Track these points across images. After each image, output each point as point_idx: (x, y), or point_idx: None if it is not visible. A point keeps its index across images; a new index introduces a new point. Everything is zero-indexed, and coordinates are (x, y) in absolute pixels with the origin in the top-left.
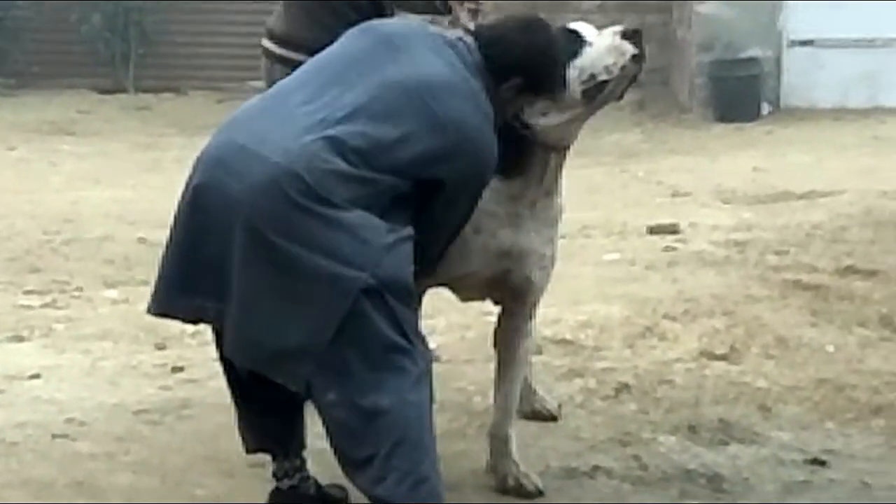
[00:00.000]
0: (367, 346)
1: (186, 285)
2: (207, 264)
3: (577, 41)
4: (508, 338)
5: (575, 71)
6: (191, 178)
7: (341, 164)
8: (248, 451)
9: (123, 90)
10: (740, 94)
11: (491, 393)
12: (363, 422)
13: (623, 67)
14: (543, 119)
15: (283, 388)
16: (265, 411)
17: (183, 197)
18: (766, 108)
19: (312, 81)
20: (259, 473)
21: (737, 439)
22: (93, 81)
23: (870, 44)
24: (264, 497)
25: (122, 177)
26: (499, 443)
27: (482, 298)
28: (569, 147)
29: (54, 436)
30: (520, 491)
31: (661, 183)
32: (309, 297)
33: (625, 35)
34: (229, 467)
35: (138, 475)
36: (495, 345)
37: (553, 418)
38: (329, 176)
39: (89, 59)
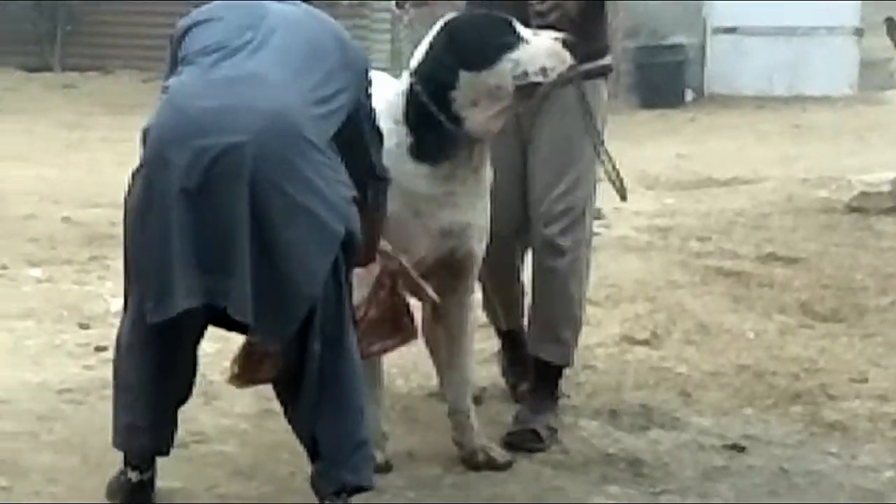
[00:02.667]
0: (340, 300)
1: (198, 268)
2: (213, 239)
3: (514, 34)
4: (454, 314)
5: (509, 63)
6: (161, 157)
7: (314, 110)
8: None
9: (49, 68)
10: (665, 81)
11: (412, 375)
12: (334, 380)
13: (559, 74)
14: (473, 110)
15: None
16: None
17: (157, 181)
18: (689, 95)
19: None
20: (182, 454)
21: (657, 424)
22: (19, 59)
23: (792, 32)
24: (186, 476)
25: (47, 155)
26: (462, 417)
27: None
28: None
29: None
30: (491, 464)
31: None
32: (309, 243)
33: (564, 43)
34: None
35: (60, 454)
36: (426, 336)
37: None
38: (310, 122)
39: (16, 37)
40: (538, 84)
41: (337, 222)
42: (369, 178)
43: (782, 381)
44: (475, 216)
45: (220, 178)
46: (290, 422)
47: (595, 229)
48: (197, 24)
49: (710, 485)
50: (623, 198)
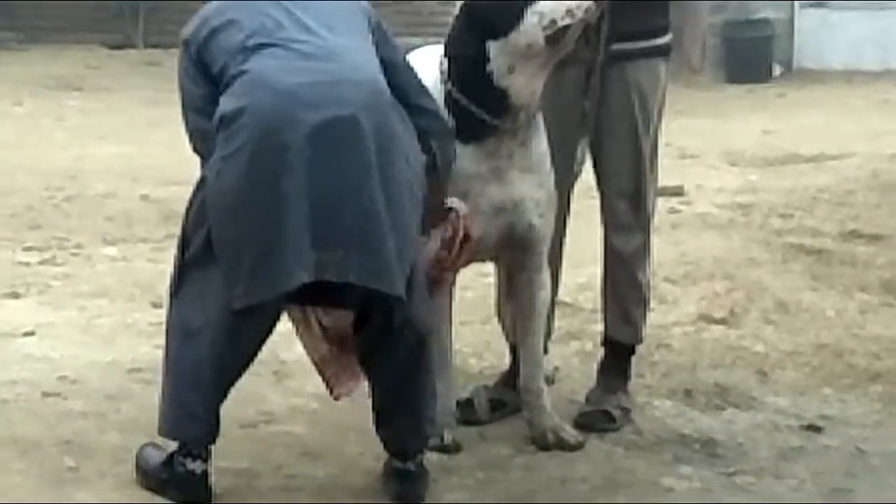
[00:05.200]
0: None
1: (315, 245)
2: (342, 213)
3: None
4: (524, 292)
5: (535, 16)
6: (269, 136)
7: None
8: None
9: (133, 45)
10: (752, 56)
11: (485, 354)
12: (421, 346)
13: (586, 10)
14: (512, 76)
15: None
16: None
17: (267, 161)
18: (777, 70)
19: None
20: (250, 433)
21: (733, 404)
22: (102, 37)
23: (883, 6)
24: (254, 456)
25: (127, 133)
26: (532, 397)
27: (493, 260)
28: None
29: (45, 394)
30: (561, 445)
31: (670, 145)
32: (411, 215)
33: None
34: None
35: (127, 434)
36: (498, 315)
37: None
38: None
39: (99, 13)
40: (568, 27)
41: (421, 192)
42: (433, 132)
43: (861, 360)
44: (528, 189)
45: (347, 149)
46: (376, 386)
47: (676, 206)
48: (218, 27)
49: (786, 465)
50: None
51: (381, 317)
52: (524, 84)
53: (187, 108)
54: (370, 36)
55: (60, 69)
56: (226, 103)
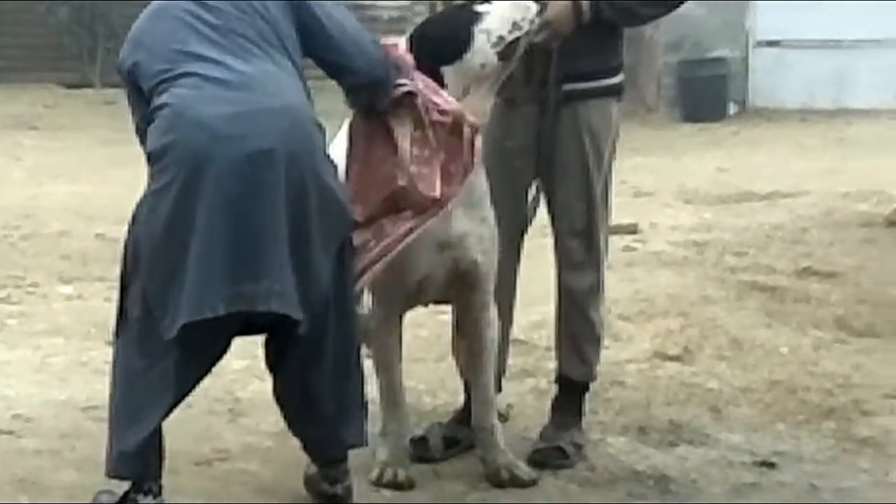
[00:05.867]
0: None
1: (235, 277)
2: (253, 246)
3: (471, 11)
4: (473, 330)
5: (483, 35)
6: (193, 169)
7: (301, 85)
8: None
9: (90, 85)
10: (707, 94)
11: (439, 393)
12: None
13: (531, 21)
14: (467, 99)
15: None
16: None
17: (189, 194)
18: (732, 108)
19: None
20: (205, 471)
21: (686, 441)
22: (59, 76)
23: (836, 45)
24: (209, 493)
25: (84, 172)
26: (486, 434)
27: (443, 301)
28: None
29: None
30: (515, 481)
31: (625, 182)
32: (330, 234)
33: None
34: (174, 464)
35: (82, 472)
36: (454, 353)
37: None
38: (307, 100)
39: (56, 53)
40: (516, 41)
41: (347, 207)
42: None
43: (815, 396)
44: (471, 225)
45: (259, 186)
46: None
47: (630, 244)
48: (139, 51)
49: (739, 501)
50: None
51: (291, 333)
52: (478, 105)
53: (138, 132)
54: (288, 17)
55: (17, 108)
56: (152, 140)
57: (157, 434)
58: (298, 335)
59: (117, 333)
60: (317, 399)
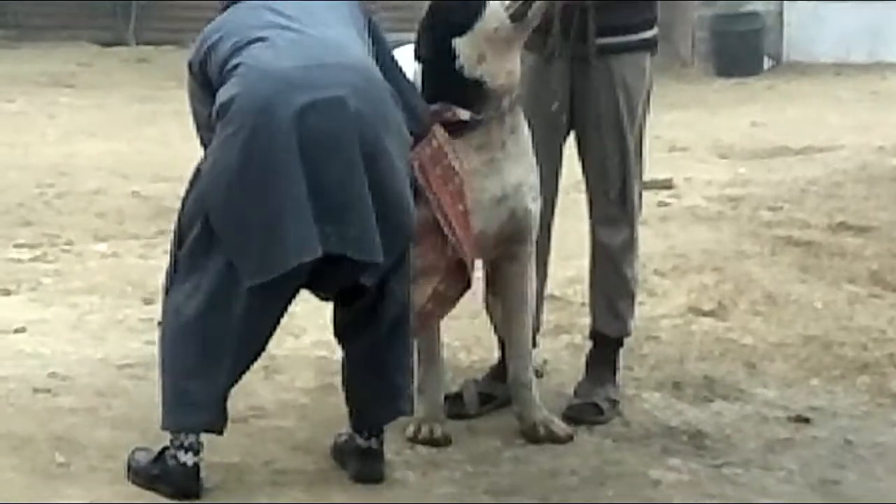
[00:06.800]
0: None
1: (315, 221)
2: (330, 191)
3: None
4: (515, 284)
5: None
6: (261, 118)
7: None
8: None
9: (124, 43)
10: (742, 49)
11: (474, 349)
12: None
13: None
14: (484, 65)
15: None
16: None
17: (260, 142)
18: (767, 63)
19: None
20: (240, 428)
21: (721, 396)
22: (93, 34)
23: None
24: (244, 450)
25: (118, 130)
26: (522, 389)
27: (490, 257)
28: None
29: (36, 390)
30: (550, 437)
31: (659, 138)
32: (404, 188)
33: None
34: None
35: (118, 430)
36: (487, 309)
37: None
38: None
39: (90, 11)
40: (529, 3)
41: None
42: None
43: (850, 351)
44: (524, 173)
45: (333, 132)
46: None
47: (665, 199)
48: (213, 44)
49: (773, 457)
50: None
51: (363, 292)
52: (498, 68)
53: (200, 129)
54: (365, 32)
55: (52, 66)
56: (221, 94)
57: (219, 385)
58: (364, 303)
59: (170, 285)
60: (384, 366)
